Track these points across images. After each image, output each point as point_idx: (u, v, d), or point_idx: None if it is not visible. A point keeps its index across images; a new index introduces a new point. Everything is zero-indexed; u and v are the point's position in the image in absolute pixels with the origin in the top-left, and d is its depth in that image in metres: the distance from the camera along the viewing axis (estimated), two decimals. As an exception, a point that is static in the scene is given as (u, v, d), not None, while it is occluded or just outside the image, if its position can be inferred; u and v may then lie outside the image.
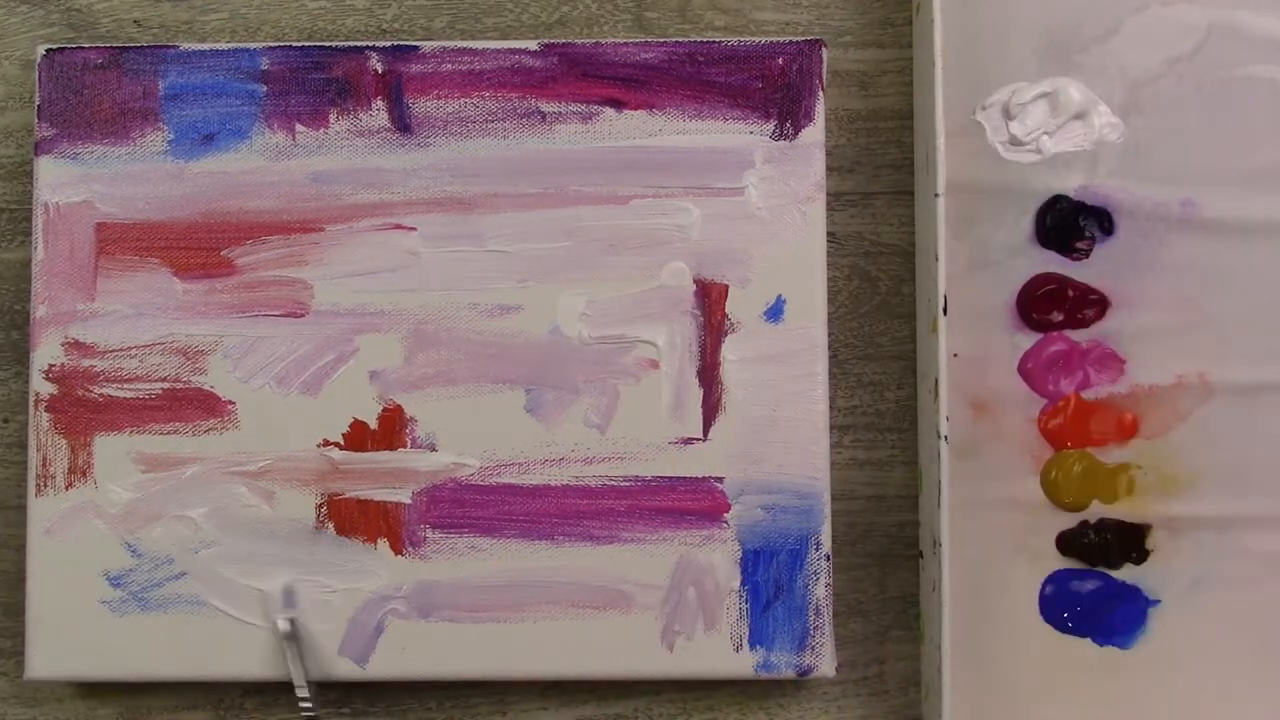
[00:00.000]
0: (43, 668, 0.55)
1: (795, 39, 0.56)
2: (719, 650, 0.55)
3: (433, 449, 0.56)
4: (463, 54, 0.57)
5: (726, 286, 0.56)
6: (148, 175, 0.56)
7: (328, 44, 0.57)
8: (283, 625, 0.54)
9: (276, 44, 0.57)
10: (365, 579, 0.55)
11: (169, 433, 0.56)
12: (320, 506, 0.56)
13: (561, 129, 0.56)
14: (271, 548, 0.55)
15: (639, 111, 0.56)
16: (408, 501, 0.55)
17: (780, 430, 0.55)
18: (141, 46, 0.57)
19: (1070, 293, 0.57)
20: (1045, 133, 0.57)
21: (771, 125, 0.56)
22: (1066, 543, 0.56)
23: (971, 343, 0.57)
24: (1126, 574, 0.56)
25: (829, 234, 0.57)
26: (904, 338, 0.58)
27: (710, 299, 0.56)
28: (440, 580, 0.55)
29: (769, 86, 0.56)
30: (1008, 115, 0.57)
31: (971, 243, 0.57)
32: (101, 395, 0.56)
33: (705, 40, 0.57)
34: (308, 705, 0.54)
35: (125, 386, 0.56)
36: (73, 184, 0.56)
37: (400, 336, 0.56)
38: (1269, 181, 0.57)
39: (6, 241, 0.59)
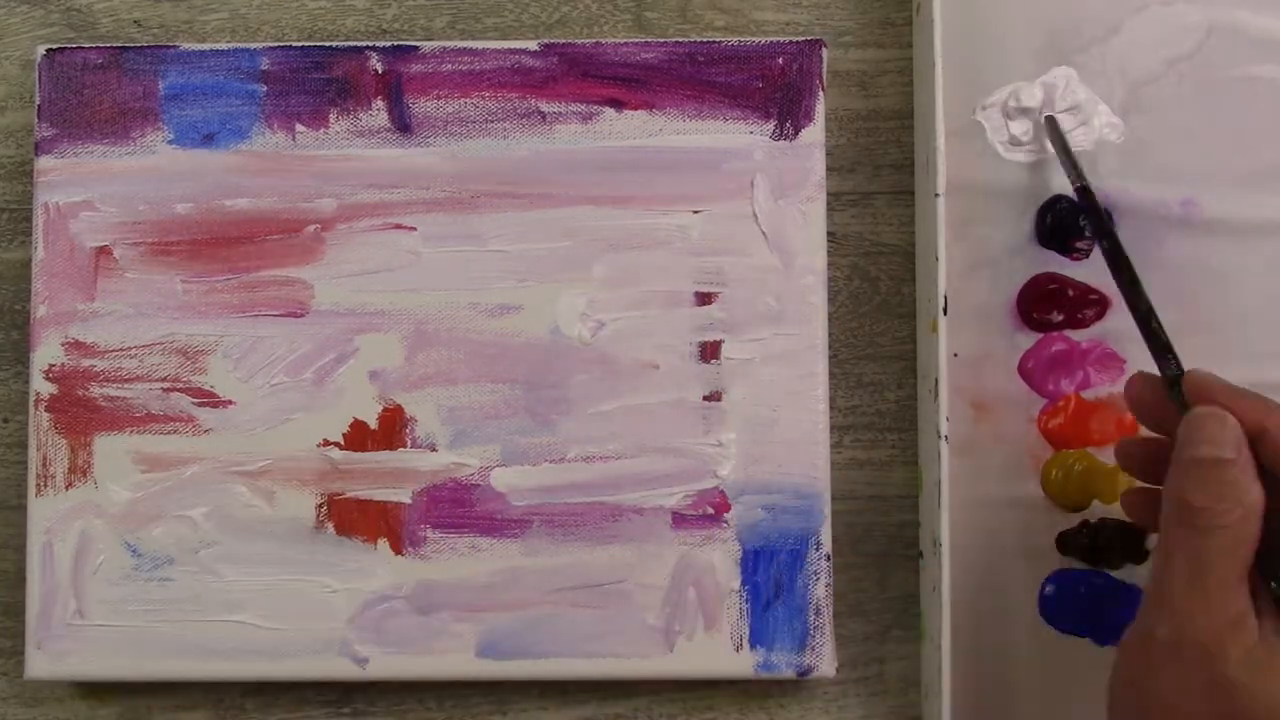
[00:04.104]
0: (43, 668, 0.55)
1: (795, 39, 0.56)
2: (719, 650, 0.55)
3: (433, 449, 0.56)
4: (463, 54, 0.57)
5: (727, 286, 0.56)
6: (148, 175, 0.56)
7: (328, 44, 0.57)
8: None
9: (276, 44, 0.57)
10: (365, 579, 0.55)
11: (169, 433, 0.56)
12: (320, 506, 0.56)
13: (561, 129, 0.56)
14: (271, 548, 0.55)
15: (639, 111, 0.56)
16: (408, 501, 0.55)
17: (780, 430, 0.55)
18: (141, 46, 0.57)
19: (1070, 293, 0.57)
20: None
21: (771, 125, 0.56)
22: (1066, 543, 0.56)
23: (971, 343, 0.57)
24: (1126, 574, 0.56)
25: (829, 234, 0.57)
26: (904, 338, 0.58)
27: (710, 299, 0.56)
28: (440, 580, 0.55)
29: (769, 86, 0.56)
30: (1008, 115, 0.57)
31: (971, 243, 0.57)
32: (101, 395, 0.56)
33: (705, 40, 0.57)
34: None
35: (125, 386, 0.56)
36: (73, 184, 0.56)
37: (400, 336, 0.56)
38: (1269, 181, 0.57)
39: (6, 241, 0.59)
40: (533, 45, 0.57)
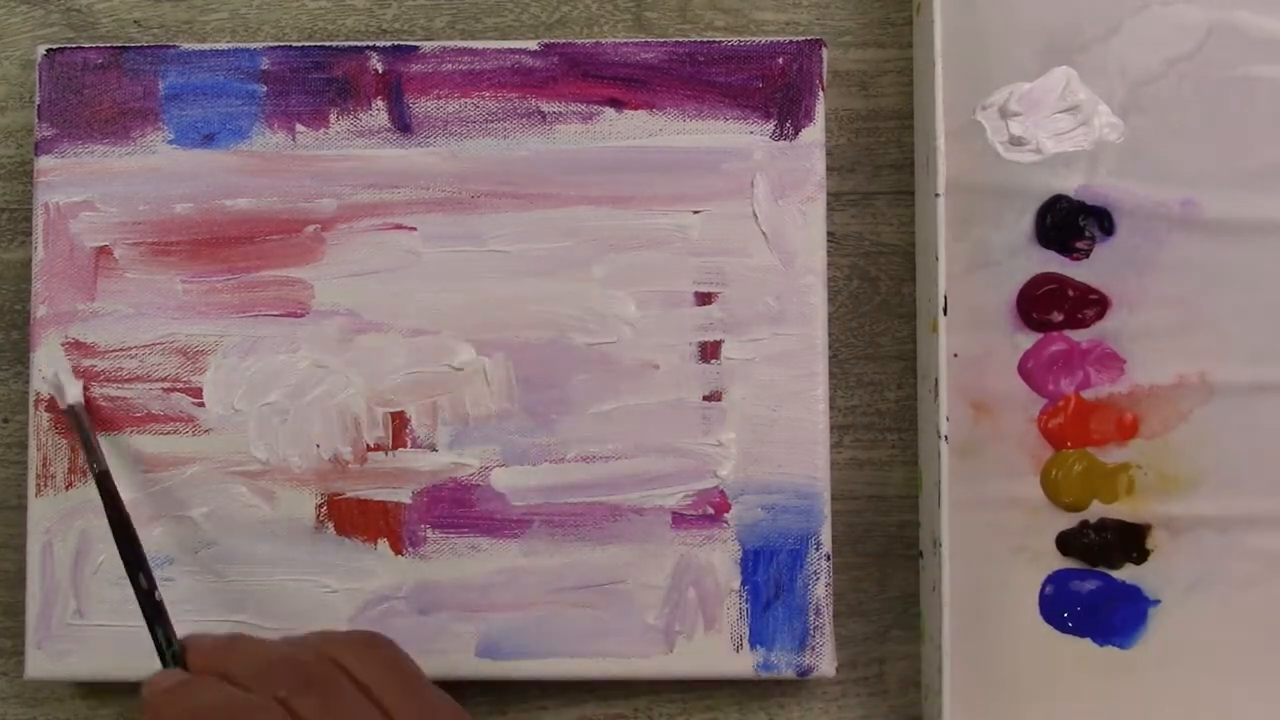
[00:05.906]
0: (43, 668, 0.55)
1: (795, 39, 0.56)
2: (719, 650, 0.55)
3: (433, 449, 0.56)
4: (463, 54, 0.57)
5: (727, 286, 0.56)
6: (148, 175, 0.56)
7: (328, 44, 0.57)
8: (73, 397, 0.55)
9: (276, 44, 0.57)
10: (365, 579, 0.55)
11: (169, 433, 0.56)
12: (320, 506, 0.56)
13: (561, 129, 0.56)
14: (271, 548, 0.55)
15: (639, 111, 0.56)
16: (408, 501, 0.55)
17: (780, 430, 0.55)
18: (141, 46, 0.57)
19: (1070, 293, 0.57)
20: (1056, 133, 0.57)
21: (771, 125, 0.56)
22: (1066, 543, 0.56)
23: (971, 343, 0.57)
24: (1126, 574, 0.56)
25: (829, 234, 0.57)
26: (904, 338, 0.58)
27: (710, 299, 0.56)
28: (440, 580, 0.55)
29: (769, 86, 0.56)
30: (1006, 115, 0.57)
31: (971, 243, 0.57)
32: (101, 395, 0.56)
33: (705, 40, 0.57)
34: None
35: (125, 386, 0.56)
36: (73, 184, 0.56)
37: (400, 336, 0.56)
38: (1269, 181, 0.57)
39: (6, 241, 0.59)
40: (533, 45, 0.57)
